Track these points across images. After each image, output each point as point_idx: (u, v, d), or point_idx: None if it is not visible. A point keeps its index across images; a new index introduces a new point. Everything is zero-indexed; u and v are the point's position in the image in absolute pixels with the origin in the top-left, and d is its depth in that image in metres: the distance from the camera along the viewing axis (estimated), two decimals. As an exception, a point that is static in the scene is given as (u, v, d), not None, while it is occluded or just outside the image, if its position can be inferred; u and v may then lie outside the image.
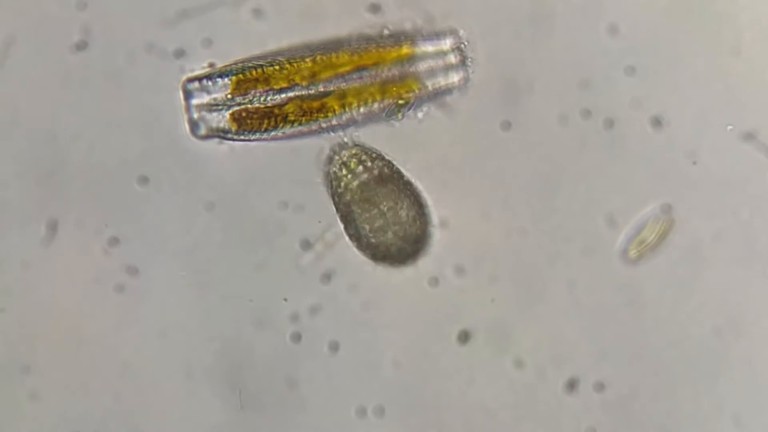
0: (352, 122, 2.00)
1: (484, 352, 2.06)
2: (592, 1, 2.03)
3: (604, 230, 2.04)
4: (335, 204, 2.02)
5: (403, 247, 2.02)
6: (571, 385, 2.06)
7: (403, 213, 2.00)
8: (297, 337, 2.07)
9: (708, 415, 2.05)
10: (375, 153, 2.01)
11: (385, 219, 1.99)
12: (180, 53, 2.02)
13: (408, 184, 2.02)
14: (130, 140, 2.05)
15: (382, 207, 1.99)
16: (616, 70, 2.04)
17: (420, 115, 2.01)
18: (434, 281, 2.05)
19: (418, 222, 2.02)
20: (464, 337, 2.06)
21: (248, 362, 2.07)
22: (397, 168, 2.01)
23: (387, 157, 2.01)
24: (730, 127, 2.02)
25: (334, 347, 2.07)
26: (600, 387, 2.06)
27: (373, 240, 2.00)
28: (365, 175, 1.99)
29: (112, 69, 2.04)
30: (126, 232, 2.05)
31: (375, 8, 2.02)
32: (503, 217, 2.04)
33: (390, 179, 2.00)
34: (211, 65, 2.00)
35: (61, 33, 2.04)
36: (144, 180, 2.04)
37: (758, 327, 2.05)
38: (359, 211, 1.99)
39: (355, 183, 1.99)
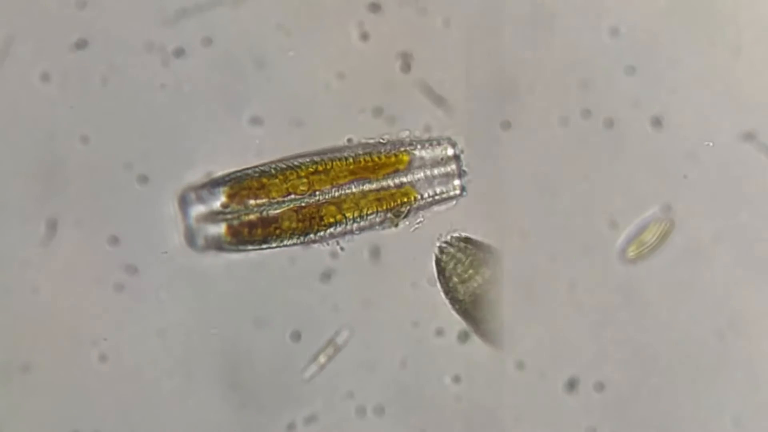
0: (349, 232, 2.00)
1: (484, 352, 2.06)
2: (593, 1, 2.03)
3: (604, 230, 2.04)
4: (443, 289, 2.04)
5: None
6: (571, 385, 2.06)
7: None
8: (297, 337, 2.07)
9: (708, 415, 2.05)
10: (479, 254, 2.02)
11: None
12: (180, 52, 2.02)
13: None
14: (130, 140, 2.04)
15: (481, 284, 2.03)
16: (616, 70, 2.04)
17: (417, 223, 2.01)
18: (434, 281, 2.05)
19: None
20: (464, 337, 2.06)
21: (248, 362, 2.07)
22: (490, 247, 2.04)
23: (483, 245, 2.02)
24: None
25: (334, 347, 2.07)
26: (600, 387, 2.06)
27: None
28: (475, 283, 2.03)
29: (111, 69, 2.04)
30: (126, 232, 2.05)
31: (375, 8, 2.02)
32: (503, 217, 2.04)
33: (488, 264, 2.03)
34: (208, 175, 2.00)
35: (61, 32, 2.04)
36: (144, 180, 2.04)
37: (758, 327, 2.05)
38: (468, 300, 2.03)
39: (466, 287, 2.03)
